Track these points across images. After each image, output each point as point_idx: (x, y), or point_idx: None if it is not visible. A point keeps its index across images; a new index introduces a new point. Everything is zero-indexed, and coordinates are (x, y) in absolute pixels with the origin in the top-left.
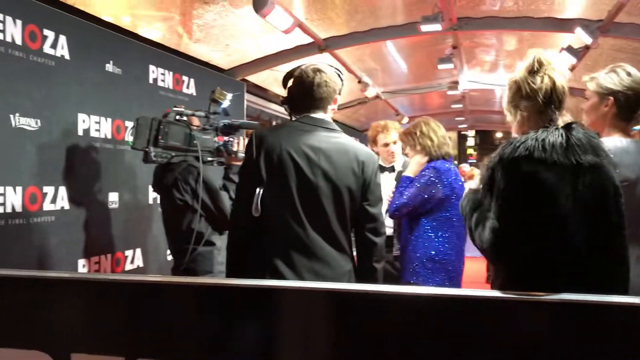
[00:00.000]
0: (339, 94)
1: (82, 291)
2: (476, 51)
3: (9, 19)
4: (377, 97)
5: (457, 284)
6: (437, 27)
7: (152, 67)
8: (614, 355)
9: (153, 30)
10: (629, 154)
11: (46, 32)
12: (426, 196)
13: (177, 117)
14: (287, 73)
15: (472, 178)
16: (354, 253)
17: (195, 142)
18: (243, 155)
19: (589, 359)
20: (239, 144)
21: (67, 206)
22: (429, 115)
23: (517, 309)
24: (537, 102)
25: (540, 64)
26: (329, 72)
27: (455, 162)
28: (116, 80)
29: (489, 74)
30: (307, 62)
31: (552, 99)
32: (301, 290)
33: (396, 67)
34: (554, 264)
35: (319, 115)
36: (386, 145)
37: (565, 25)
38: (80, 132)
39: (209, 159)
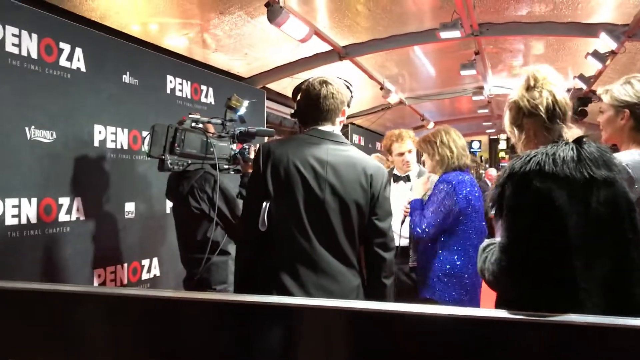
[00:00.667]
0: (349, 105)
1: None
2: (501, 57)
3: (24, 33)
4: (400, 102)
5: (475, 298)
6: (456, 33)
7: (169, 77)
8: None
9: (171, 40)
10: None
11: (62, 45)
12: (445, 210)
13: (193, 124)
14: (296, 87)
15: None
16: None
17: (211, 149)
18: None
19: None
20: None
21: (82, 217)
22: (456, 120)
23: (524, 330)
24: (541, 116)
25: (536, 79)
26: (336, 84)
27: (486, 165)
28: (133, 91)
29: (515, 79)
30: (327, 69)
31: (556, 113)
32: (312, 309)
33: (421, 72)
34: (566, 284)
35: (326, 127)
36: (401, 154)
37: (590, 30)
38: (96, 143)
39: (225, 166)
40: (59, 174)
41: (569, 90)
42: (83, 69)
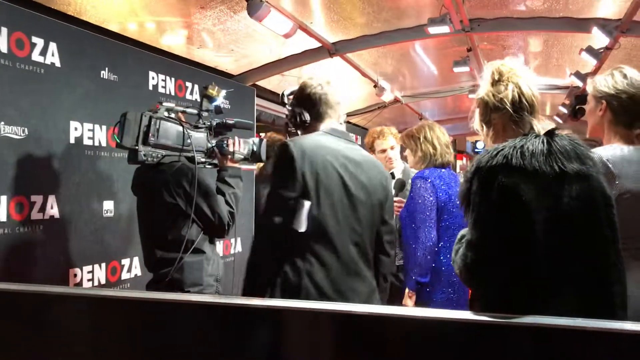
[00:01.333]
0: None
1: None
2: (496, 53)
3: None
4: (396, 101)
5: (464, 295)
6: (445, 29)
7: (152, 74)
8: None
9: (151, 36)
10: (631, 163)
11: (35, 39)
12: (421, 201)
13: (166, 113)
14: (291, 92)
15: None
16: None
17: (188, 141)
18: (240, 157)
19: None
20: (234, 144)
21: (57, 215)
22: (455, 118)
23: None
24: (507, 110)
25: (501, 73)
26: (332, 84)
27: None
28: (113, 87)
29: None
30: (317, 66)
31: (523, 105)
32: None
33: (418, 70)
34: (534, 282)
35: (341, 127)
36: (383, 151)
37: (582, 25)
38: (72, 140)
39: (202, 159)
40: (31, 171)
41: (566, 88)
42: (58, 64)
